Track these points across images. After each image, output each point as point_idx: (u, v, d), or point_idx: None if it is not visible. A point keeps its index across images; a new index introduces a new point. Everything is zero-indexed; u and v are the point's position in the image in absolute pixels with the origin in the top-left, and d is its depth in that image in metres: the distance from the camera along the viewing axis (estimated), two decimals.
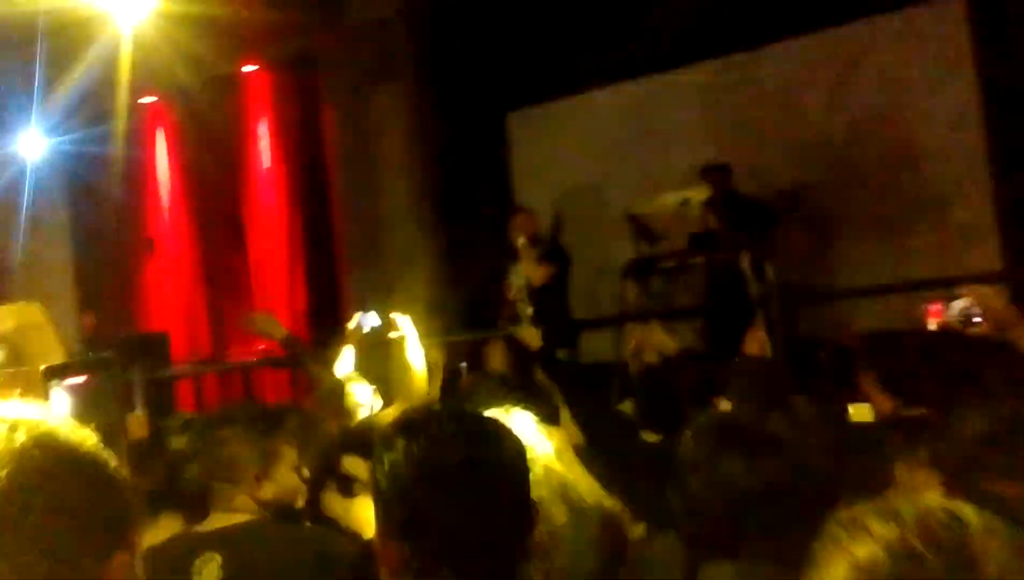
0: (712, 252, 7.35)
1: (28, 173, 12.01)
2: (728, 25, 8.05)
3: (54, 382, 1.96)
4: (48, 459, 1.05)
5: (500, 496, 1.53)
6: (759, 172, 7.91)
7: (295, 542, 2.55)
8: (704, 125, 8.51)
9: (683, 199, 7.36)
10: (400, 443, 1.54)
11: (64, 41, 8.96)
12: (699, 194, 7.36)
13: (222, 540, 2.49)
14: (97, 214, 11.92)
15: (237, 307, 10.71)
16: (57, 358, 2.10)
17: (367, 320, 7.19)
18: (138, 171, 11.59)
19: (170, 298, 11.44)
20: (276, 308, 10.42)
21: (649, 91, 8.88)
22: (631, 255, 7.74)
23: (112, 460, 1.12)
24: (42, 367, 1.99)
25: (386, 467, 1.54)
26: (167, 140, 11.40)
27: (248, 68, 10.36)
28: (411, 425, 1.60)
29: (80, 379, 2.03)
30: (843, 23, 7.87)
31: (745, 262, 7.19)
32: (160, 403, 8.65)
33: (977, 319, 3.21)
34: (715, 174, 7.64)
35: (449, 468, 1.50)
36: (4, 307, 2.16)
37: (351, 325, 6.80)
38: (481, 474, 1.52)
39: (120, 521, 1.10)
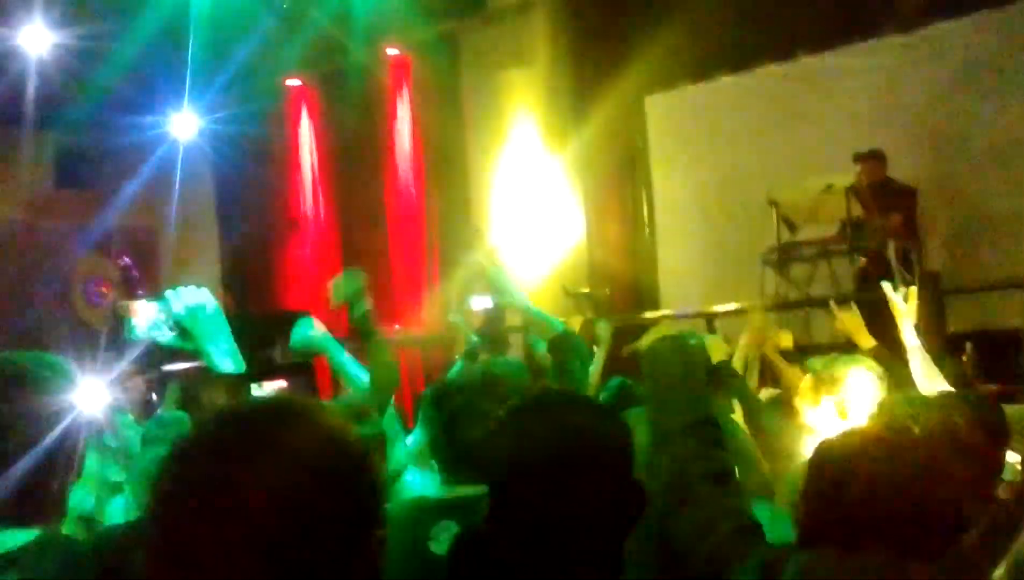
0: (858, 240, 7.31)
1: (179, 153, 12.68)
2: (872, 9, 8.00)
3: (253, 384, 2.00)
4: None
5: (594, 483, 1.59)
6: (901, 159, 7.84)
7: None
8: (846, 110, 8.45)
9: (826, 185, 7.34)
10: (506, 427, 1.69)
11: (215, 24, 9.40)
12: (843, 180, 7.33)
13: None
14: (243, 194, 12.49)
15: (376, 287, 11.10)
16: (227, 342, 2.16)
17: (479, 302, 7.52)
18: (283, 152, 12.10)
19: (312, 277, 11.91)
20: (414, 289, 10.80)
21: (786, 75, 8.88)
22: (772, 241, 7.75)
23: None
24: (238, 372, 2.10)
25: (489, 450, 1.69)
26: (311, 122, 11.88)
27: (391, 51, 10.71)
28: (514, 411, 1.72)
29: (280, 383, 2.05)
30: (998, 6, 7.72)
31: (891, 250, 7.14)
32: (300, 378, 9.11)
33: None
34: (870, 160, 7.60)
35: (539, 457, 1.60)
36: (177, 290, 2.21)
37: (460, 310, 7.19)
38: (568, 464, 1.60)
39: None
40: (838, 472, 1.72)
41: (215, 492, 1.08)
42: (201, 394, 2.20)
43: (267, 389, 2.00)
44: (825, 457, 1.78)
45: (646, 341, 2.35)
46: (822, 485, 1.73)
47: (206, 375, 2.15)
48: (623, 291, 9.41)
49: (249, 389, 2.02)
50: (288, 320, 10.91)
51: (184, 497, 1.09)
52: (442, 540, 2.48)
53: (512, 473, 1.62)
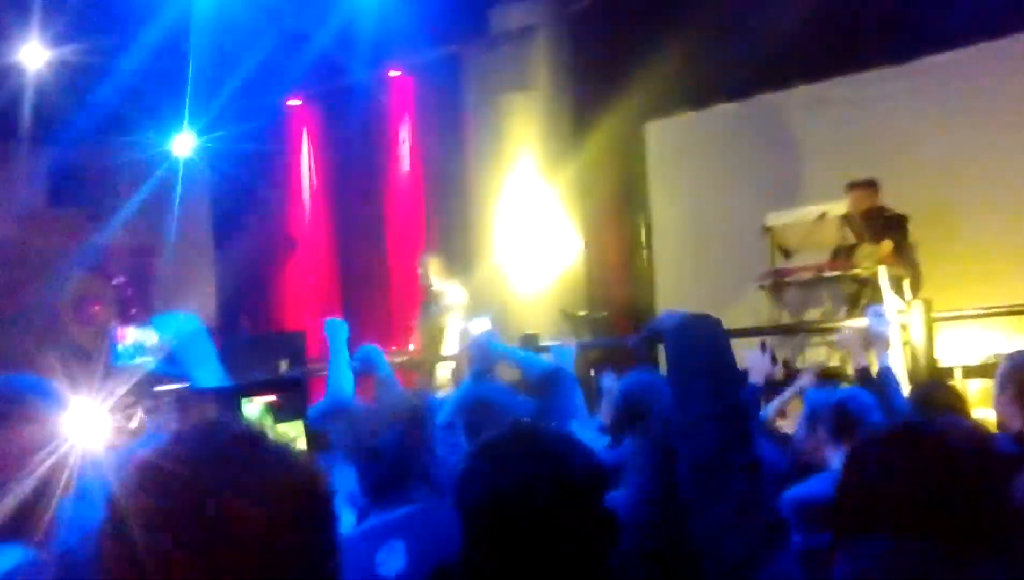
0: (850, 267, 7.66)
1: (176, 172, 12.93)
2: (868, 40, 8.44)
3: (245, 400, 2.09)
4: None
5: (567, 515, 1.71)
6: (894, 187, 8.23)
7: None
8: (841, 139, 8.89)
9: (820, 213, 7.70)
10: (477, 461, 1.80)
11: (215, 42, 9.65)
12: (837, 208, 7.69)
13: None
14: (240, 214, 12.74)
15: (374, 307, 11.40)
16: (215, 368, 2.23)
17: (474, 324, 7.92)
18: (282, 172, 12.40)
19: (309, 297, 12.18)
20: (412, 311, 11.10)
21: (783, 104, 9.32)
22: (766, 267, 8.10)
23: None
24: (229, 386, 2.19)
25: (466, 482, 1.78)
26: (311, 142, 12.21)
27: (393, 73, 11.07)
28: (488, 446, 1.83)
29: (271, 398, 2.14)
30: (991, 38, 8.14)
31: (883, 277, 7.48)
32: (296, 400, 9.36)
33: None
34: (862, 189, 7.98)
35: (513, 490, 1.71)
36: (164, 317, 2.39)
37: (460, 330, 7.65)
38: (546, 492, 1.70)
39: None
40: (883, 462, 1.71)
41: (177, 518, 1.08)
42: (193, 409, 2.25)
43: (257, 404, 2.12)
44: (869, 447, 1.77)
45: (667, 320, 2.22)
46: (866, 475, 1.72)
47: (200, 390, 2.21)
48: (621, 314, 9.74)
49: (240, 404, 2.14)
50: (287, 341, 11.13)
51: (146, 520, 1.08)
52: (390, 563, 2.56)
53: (487, 504, 1.73)
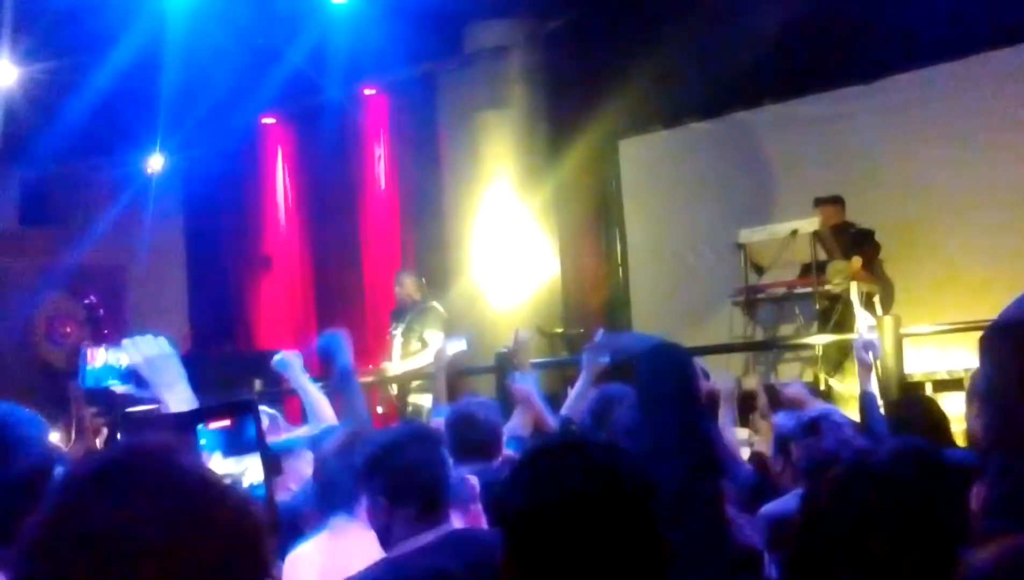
0: (821, 282, 7.88)
1: (149, 190, 12.99)
2: (837, 59, 8.71)
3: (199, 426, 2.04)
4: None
5: (620, 530, 1.59)
6: (867, 205, 8.49)
7: None
8: (811, 156, 9.14)
9: (792, 230, 7.92)
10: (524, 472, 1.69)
11: (188, 60, 9.73)
12: (808, 225, 7.91)
13: None
14: (214, 232, 12.83)
15: (350, 327, 11.49)
16: (184, 391, 2.23)
17: (451, 344, 8.11)
18: (256, 191, 12.50)
19: (283, 315, 12.26)
20: (388, 328, 11.22)
21: (755, 122, 9.60)
22: (740, 283, 8.30)
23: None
24: (183, 410, 2.17)
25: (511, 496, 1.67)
26: (286, 160, 12.32)
27: (367, 91, 11.21)
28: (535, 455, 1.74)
29: (225, 422, 2.04)
30: (958, 58, 8.41)
31: (854, 293, 7.70)
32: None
33: None
34: (829, 205, 8.25)
35: (560, 502, 1.60)
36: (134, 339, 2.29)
37: (437, 349, 7.82)
38: (597, 509, 1.59)
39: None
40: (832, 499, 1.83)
41: (97, 539, 1.06)
42: (148, 433, 2.09)
43: (212, 428, 2.10)
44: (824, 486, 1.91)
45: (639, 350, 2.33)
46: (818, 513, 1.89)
47: (155, 416, 2.24)
48: (596, 331, 9.89)
49: (195, 429, 2.03)
50: (261, 360, 11.20)
51: (63, 540, 1.07)
52: None
53: (532, 518, 1.62)
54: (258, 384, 9.32)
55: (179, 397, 2.22)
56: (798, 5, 8.37)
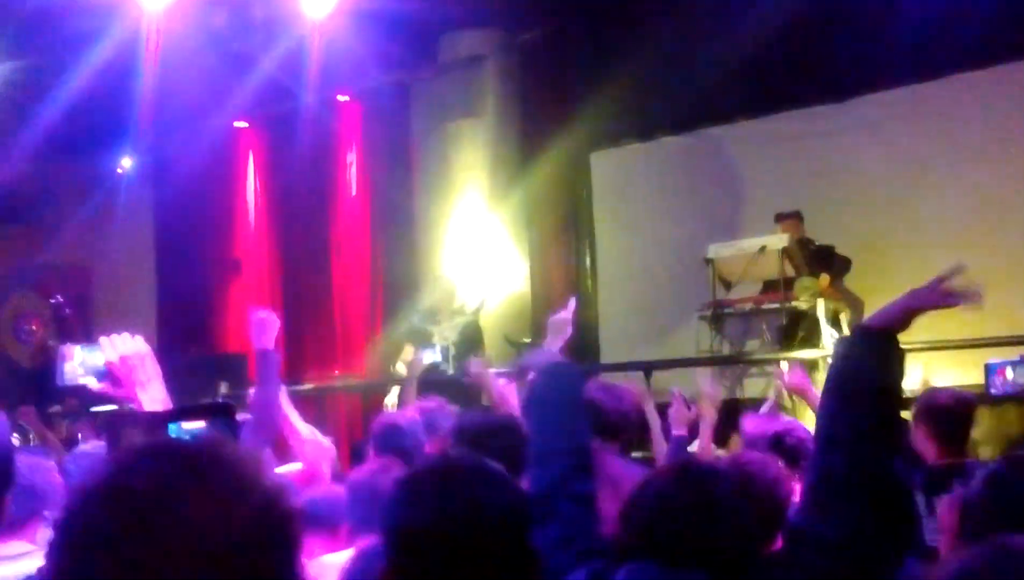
0: (788, 298, 7.95)
1: (119, 191, 12.94)
2: (808, 78, 8.82)
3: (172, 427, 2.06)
4: None
5: (485, 552, 1.71)
6: (835, 222, 8.59)
7: None
8: (781, 173, 9.24)
9: (761, 246, 7.98)
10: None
11: (162, 63, 9.70)
12: (777, 241, 7.98)
13: None
14: (184, 235, 12.78)
15: (319, 332, 11.49)
16: (158, 391, 2.23)
17: (425, 354, 8.15)
18: (227, 194, 12.46)
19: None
20: (356, 335, 11.20)
21: (726, 138, 9.70)
22: (708, 298, 8.35)
23: None
24: (158, 410, 2.17)
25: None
26: (257, 165, 12.29)
27: (341, 98, 11.20)
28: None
29: (199, 424, 2.06)
30: (923, 80, 8.54)
31: (821, 309, 7.78)
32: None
33: None
34: (790, 220, 8.34)
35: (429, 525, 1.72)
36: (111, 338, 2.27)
37: (408, 358, 7.77)
38: (458, 527, 1.71)
39: None
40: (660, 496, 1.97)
41: (134, 539, 1.03)
42: (121, 434, 2.21)
43: (186, 429, 2.06)
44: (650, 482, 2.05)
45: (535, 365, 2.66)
46: (645, 508, 1.98)
47: (129, 414, 2.21)
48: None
49: (168, 429, 2.05)
50: (228, 363, 11.17)
51: (103, 542, 1.04)
52: None
53: (405, 537, 1.74)
54: (224, 387, 9.31)
55: (154, 397, 2.22)
56: (771, 24, 8.45)
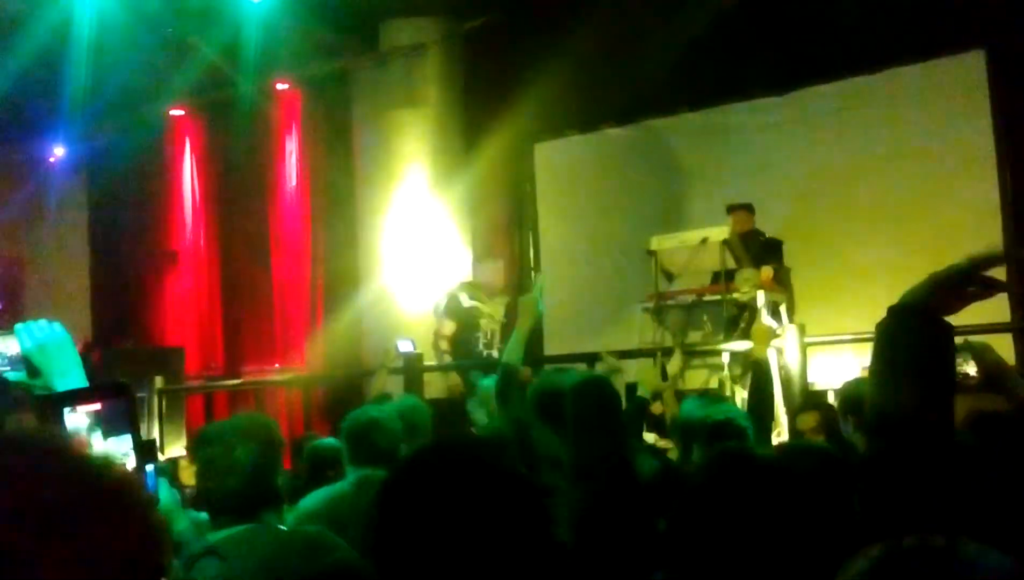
0: (730, 290, 7.97)
1: (52, 181, 12.70)
2: (750, 70, 8.86)
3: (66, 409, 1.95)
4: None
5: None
6: (776, 213, 8.63)
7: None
8: (724, 165, 9.28)
9: (702, 238, 7.99)
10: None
11: (96, 49, 9.52)
12: (719, 234, 8.00)
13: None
14: (119, 224, 12.58)
15: (258, 323, 11.35)
16: (78, 377, 2.15)
17: (403, 346, 7.93)
18: (163, 183, 12.27)
19: (188, 312, 12.05)
20: (297, 327, 11.08)
21: (669, 130, 9.71)
22: (651, 289, 8.35)
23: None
24: (52, 394, 2.09)
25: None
26: (194, 153, 12.11)
27: (280, 86, 11.06)
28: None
29: (95, 406, 1.95)
30: (866, 72, 8.62)
31: (761, 301, 7.80)
32: (171, 416, 9.29)
33: (971, 372, 3.43)
34: (740, 211, 8.37)
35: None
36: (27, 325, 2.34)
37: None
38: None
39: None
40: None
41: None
42: (8, 418, 2.18)
43: (80, 412, 1.99)
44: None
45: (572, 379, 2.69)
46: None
47: (20, 397, 2.15)
48: (508, 331, 9.88)
49: (61, 413, 1.95)
50: (165, 356, 10.97)
51: None
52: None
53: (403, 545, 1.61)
54: (159, 381, 9.14)
55: (73, 385, 2.13)
56: (716, 16, 8.48)
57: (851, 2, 7.96)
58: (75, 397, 2.04)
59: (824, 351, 7.48)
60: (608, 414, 2.51)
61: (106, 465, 1.14)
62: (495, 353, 7.97)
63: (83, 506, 1.07)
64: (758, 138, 9.13)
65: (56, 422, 1.93)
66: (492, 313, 8.35)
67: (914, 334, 1.90)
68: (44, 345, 2.16)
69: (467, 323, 7.94)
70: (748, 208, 8.44)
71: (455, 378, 8.60)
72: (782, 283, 8.30)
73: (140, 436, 2.03)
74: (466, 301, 8.44)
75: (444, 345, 8.21)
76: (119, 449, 1.95)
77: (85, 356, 2.35)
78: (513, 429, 3.60)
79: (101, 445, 1.94)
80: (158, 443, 8.37)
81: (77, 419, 1.96)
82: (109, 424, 1.96)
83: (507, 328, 8.03)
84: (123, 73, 10.02)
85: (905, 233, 8.24)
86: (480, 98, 10.20)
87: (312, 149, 11.23)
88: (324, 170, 11.07)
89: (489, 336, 8.21)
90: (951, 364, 1.93)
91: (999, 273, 1.94)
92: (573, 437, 2.49)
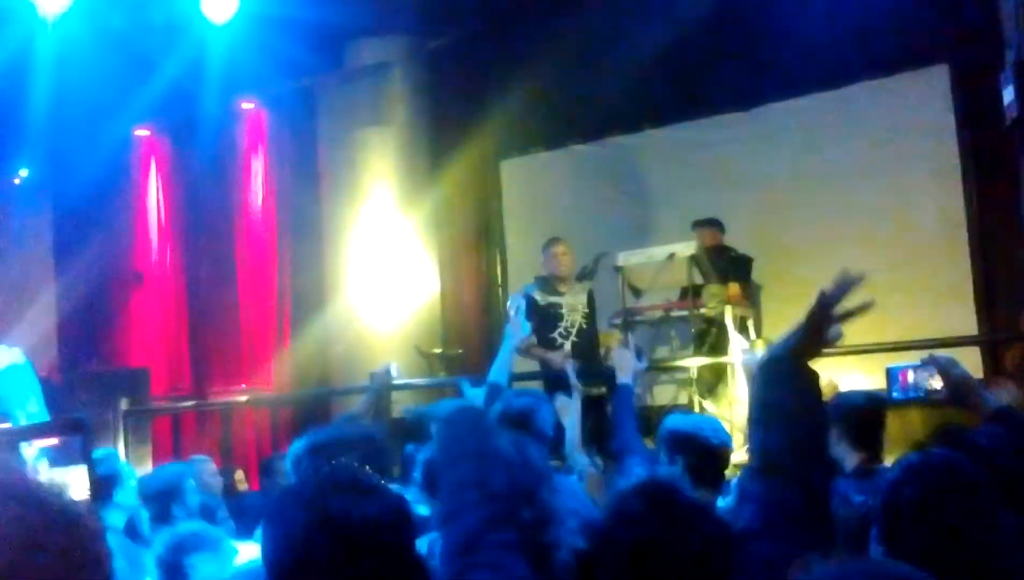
0: (697, 306, 7.95)
1: (15, 200, 12.55)
2: (716, 86, 8.88)
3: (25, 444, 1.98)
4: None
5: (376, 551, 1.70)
6: (743, 228, 8.63)
7: None
8: (690, 181, 9.28)
9: (669, 254, 7.97)
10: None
11: (59, 67, 9.42)
12: (686, 249, 7.98)
13: None
14: (84, 245, 12.43)
15: (224, 343, 11.23)
16: (34, 406, 2.22)
17: (393, 368, 7.67)
18: (128, 203, 12.15)
19: (154, 332, 11.92)
20: (264, 347, 10.97)
21: (635, 146, 9.72)
22: (618, 306, 8.32)
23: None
24: (10, 428, 2.13)
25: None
26: (160, 173, 11.99)
27: (245, 105, 10.98)
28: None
29: (53, 441, 2.01)
30: (831, 88, 8.64)
31: (729, 317, 7.78)
32: (137, 438, 9.14)
33: (937, 386, 3.43)
34: (707, 227, 8.35)
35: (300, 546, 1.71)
36: None
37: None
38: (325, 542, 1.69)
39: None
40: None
41: None
42: None
43: (36, 447, 1.93)
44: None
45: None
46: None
47: None
48: (476, 352, 9.83)
49: (17, 446, 2.03)
50: (130, 377, 10.82)
51: None
52: None
53: (282, 556, 1.72)
54: (125, 403, 9.01)
55: (30, 411, 2.12)
56: (680, 33, 8.48)
57: (816, 17, 7.98)
58: (33, 432, 2.04)
59: None
60: (476, 447, 2.33)
61: (57, 494, 1.15)
62: (568, 345, 7.47)
63: (32, 535, 1.08)
64: (724, 153, 9.14)
65: (13, 454, 1.98)
66: (573, 302, 7.63)
67: (782, 382, 2.14)
68: (3, 373, 2.13)
69: (544, 319, 7.48)
70: (714, 224, 8.41)
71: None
72: (750, 298, 8.29)
73: (95, 470, 2.03)
74: (542, 298, 8.00)
75: (538, 351, 7.77)
76: (74, 481, 1.94)
77: (48, 380, 2.32)
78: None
79: (54, 476, 1.89)
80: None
81: (29, 452, 1.94)
82: (65, 459, 1.97)
83: (589, 317, 7.61)
84: (87, 93, 9.90)
85: (872, 247, 8.26)
86: (446, 116, 10.16)
87: (278, 168, 11.15)
88: (290, 189, 10.99)
89: (569, 327, 7.64)
90: (818, 407, 2.20)
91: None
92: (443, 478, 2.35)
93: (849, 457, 3.86)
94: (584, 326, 7.49)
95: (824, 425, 2.21)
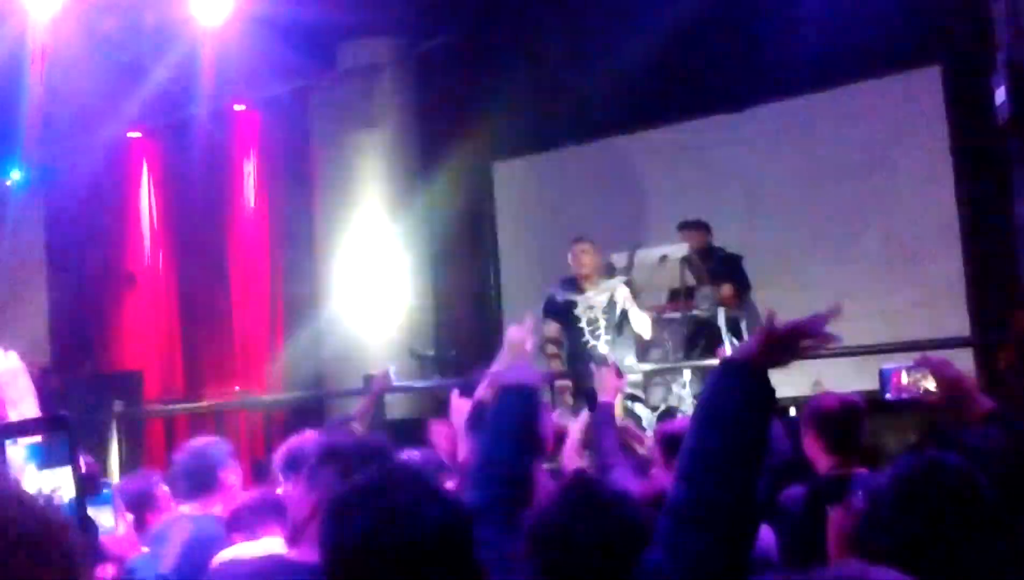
0: (688, 308, 7.92)
1: (7, 202, 12.49)
2: (707, 88, 8.85)
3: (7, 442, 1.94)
4: None
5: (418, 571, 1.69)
6: (734, 229, 8.61)
7: None
8: (682, 182, 9.26)
9: (661, 256, 7.94)
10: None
11: (53, 69, 9.40)
12: (678, 251, 7.96)
13: None
14: (76, 247, 12.39)
15: (217, 346, 11.19)
16: (30, 407, 2.14)
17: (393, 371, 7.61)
18: (121, 206, 12.10)
19: (147, 335, 11.88)
20: (256, 349, 10.92)
21: (628, 148, 9.68)
22: None
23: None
24: None
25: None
26: (152, 176, 11.94)
27: (237, 107, 10.94)
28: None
29: (36, 438, 1.94)
30: (823, 89, 8.63)
31: (721, 318, 7.76)
32: (131, 442, 9.12)
33: (930, 387, 3.31)
34: (693, 229, 8.30)
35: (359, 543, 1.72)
36: None
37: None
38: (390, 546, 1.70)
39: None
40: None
41: None
42: None
43: (21, 445, 1.92)
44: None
45: None
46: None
47: None
48: (469, 353, 9.79)
49: (2, 445, 1.94)
50: (124, 380, 10.81)
51: None
52: None
53: (342, 554, 1.72)
54: (118, 405, 8.98)
55: (25, 415, 2.12)
56: (671, 34, 8.46)
57: (807, 18, 7.97)
58: (15, 429, 2.00)
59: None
60: (522, 426, 2.48)
61: (30, 501, 1.14)
62: (600, 346, 7.43)
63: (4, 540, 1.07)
64: (716, 155, 9.12)
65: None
66: (591, 301, 7.58)
67: (736, 388, 2.04)
68: None
69: (568, 319, 7.42)
70: (700, 225, 8.33)
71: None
72: (742, 299, 8.25)
73: (79, 469, 2.01)
74: (560, 296, 7.93)
75: (551, 349, 7.69)
76: (57, 482, 1.92)
77: (42, 383, 2.29)
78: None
79: (38, 477, 1.89)
80: (116, 469, 8.22)
81: (16, 451, 1.93)
82: (49, 456, 1.94)
83: (611, 315, 7.50)
84: (79, 95, 9.88)
85: (863, 249, 8.25)
86: (439, 118, 10.13)
87: (270, 171, 11.11)
88: (282, 191, 10.97)
89: (593, 326, 7.54)
90: (766, 419, 2.07)
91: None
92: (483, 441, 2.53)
93: (821, 460, 3.84)
94: (606, 325, 7.46)
95: (762, 447, 2.06)
